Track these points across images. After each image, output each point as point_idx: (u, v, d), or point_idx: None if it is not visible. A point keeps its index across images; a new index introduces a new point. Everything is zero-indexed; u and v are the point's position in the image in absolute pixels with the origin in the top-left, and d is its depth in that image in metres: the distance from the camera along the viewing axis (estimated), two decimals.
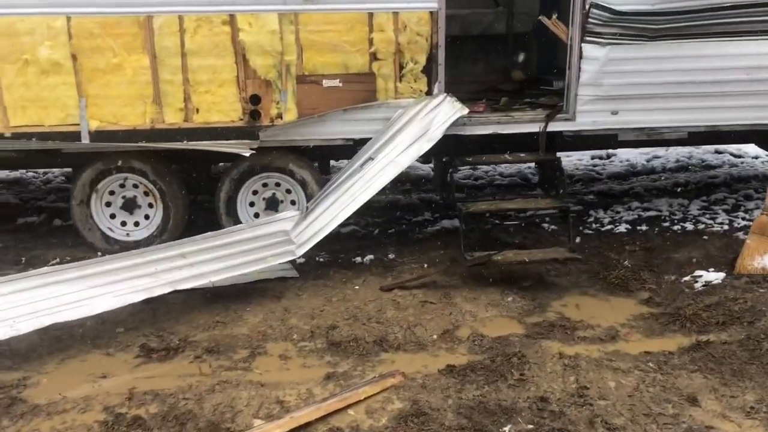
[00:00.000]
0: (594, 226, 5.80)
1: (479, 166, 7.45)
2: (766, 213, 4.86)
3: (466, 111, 4.85)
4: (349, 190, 4.65)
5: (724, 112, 5.09)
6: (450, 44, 6.27)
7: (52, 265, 4.77)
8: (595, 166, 7.71)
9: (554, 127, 5.12)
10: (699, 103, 5.03)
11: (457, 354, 3.79)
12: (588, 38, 4.85)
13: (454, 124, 4.88)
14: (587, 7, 4.77)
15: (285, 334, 4.05)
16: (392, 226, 5.93)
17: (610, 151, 7.81)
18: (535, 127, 5.08)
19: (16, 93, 4.62)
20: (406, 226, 5.94)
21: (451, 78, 5.79)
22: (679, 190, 6.71)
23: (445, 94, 4.88)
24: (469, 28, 6.76)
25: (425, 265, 4.99)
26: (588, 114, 5.06)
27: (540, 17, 5.27)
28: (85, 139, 4.76)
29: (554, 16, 5.08)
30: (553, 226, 5.72)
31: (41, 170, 7.35)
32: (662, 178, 7.13)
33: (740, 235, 5.29)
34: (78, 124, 4.72)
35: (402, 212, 6.30)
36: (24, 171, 7.25)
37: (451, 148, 5.24)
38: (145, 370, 3.68)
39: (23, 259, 5.11)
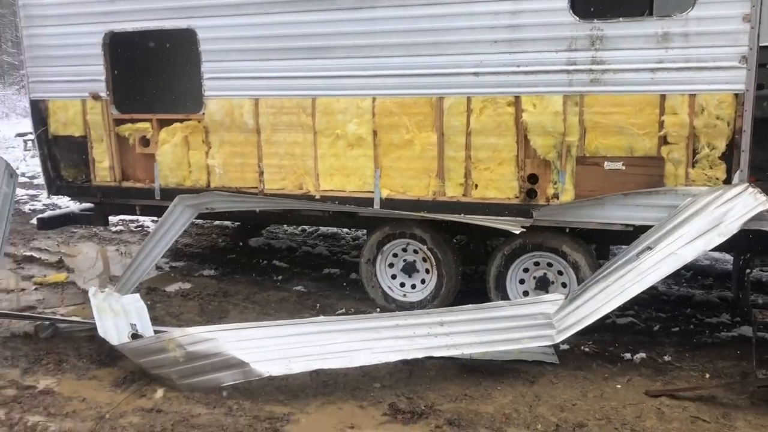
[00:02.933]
0: None
1: None
2: None
3: None
4: (620, 279, 4.33)
5: None
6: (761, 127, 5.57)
7: (339, 314, 5.33)
8: None
9: None
10: None
11: None
12: None
13: (758, 218, 4.25)
14: None
15: (529, 421, 3.90)
16: (677, 324, 5.32)
17: None
18: None
19: (327, 162, 5.35)
20: (695, 327, 5.28)
21: (761, 165, 5.11)
22: None
23: (747, 184, 4.31)
24: None
25: (707, 375, 4.38)
26: None
27: None
28: (377, 205, 5.27)
29: None
30: None
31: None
32: None
33: None
34: (372, 192, 5.26)
35: (694, 309, 5.62)
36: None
37: (753, 245, 4.57)
38: (388, 430, 3.85)
39: (318, 305, 5.80)
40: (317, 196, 5.44)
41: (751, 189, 4.28)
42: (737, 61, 4.24)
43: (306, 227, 8.33)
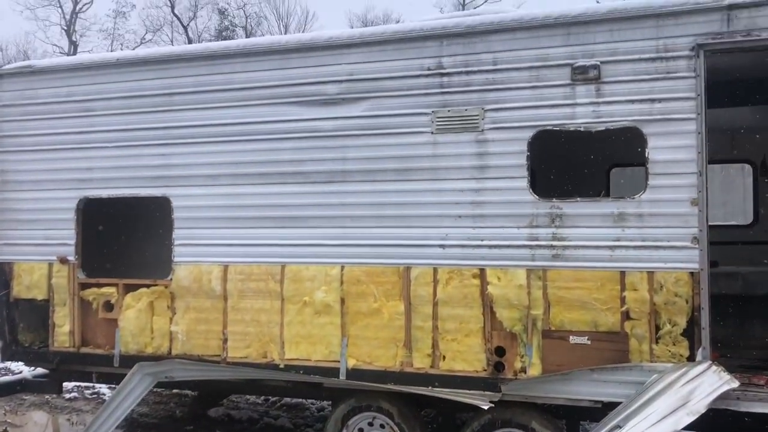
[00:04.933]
0: None
1: None
2: None
3: (735, 384, 4.21)
4: None
5: None
6: (729, 303, 5.69)
7: None
8: None
9: None
10: None
11: None
12: None
13: (724, 397, 4.24)
14: None
15: None
16: None
17: None
18: None
19: (293, 329, 5.29)
20: None
21: (733, 342, 5.17)
22: None
23: (710, 362, 4.33)
24: (752, 287, 6.10)
25: None
26: None
27: None
28: (343, 376, 5.15)
29: None
30: None
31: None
32: None
33: None
34: (338, 361, 5.17)
35: None
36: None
37: (726, 425, 4.51)
38: None
39: None
40: (282, 365, 5.31)
41: (714, 367, 4.31)
42: (689, 242, 4.44)
43: (270, 396, 8.02)
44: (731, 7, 4.37)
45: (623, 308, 4.56)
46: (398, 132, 5.08)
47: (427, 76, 5.04)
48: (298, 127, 5.30)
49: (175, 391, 7.92)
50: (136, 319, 5.69)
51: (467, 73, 4.93)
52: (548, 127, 4.77)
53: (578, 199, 4.74)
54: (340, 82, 5.23)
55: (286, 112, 5.35)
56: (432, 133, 5.01)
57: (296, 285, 5.28)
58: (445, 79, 4.99)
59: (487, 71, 4.89)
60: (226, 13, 35.71)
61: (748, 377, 4.60)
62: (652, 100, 4.53)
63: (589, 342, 4.64)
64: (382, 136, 5.12)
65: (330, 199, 5.21)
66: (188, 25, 35.58)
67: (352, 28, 25.98)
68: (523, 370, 4.77)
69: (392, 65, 5.12)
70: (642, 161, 4.61)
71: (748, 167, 6.98)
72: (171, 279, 5.61)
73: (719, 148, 6.61)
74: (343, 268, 5.17)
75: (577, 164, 6.87)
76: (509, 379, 4.79)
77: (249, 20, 36.28)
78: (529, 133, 4.80)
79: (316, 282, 5.23)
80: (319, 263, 5.23)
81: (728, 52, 4.58)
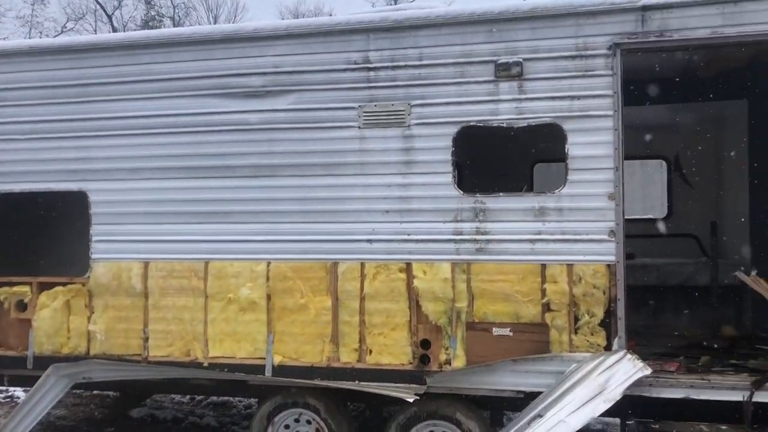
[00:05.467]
0: None
1: None
2: None
3: (648, 371, 4.39)
4: None
5: None
6: (645, 294, 5.92)
7: None
8: None
9: (765, 397, 4.39)
10: None
11: None
12: None
13: (638, 383, 4.42)
14: None
15: None
16: None
17: None
18: (738, 395, 4.40)
19: (218, 327, 5.19)
20: None
21: (648, 331, 5.38)
22: None
23: (625, 351, 4.50)
24: (666, 277, 6.38)
25: None
26: None
27: (737, 273, 4.81)
28: (269, 373, 5.08)
29: (754, 272, 4.61)
30: None
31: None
32: None
33: None
34: (264, 358, 5.10)
35: None
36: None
37: (637, 410, 4.70)
38: None
39: None
40: (206, 364, 5.20)
41: (629, 355, 4.48)
42: (606, 235, 4.60)
43: (195, 395, 7.85)
44: (645, 9, 4.54)
45: (544, 300, 4.67)
46: (325, 126, 5.05)
47: (353, 70, 5.02)
48: (222, 119, 5.19)
49: (95, 392, 7.66)
50: (52, 318, 5.45)
51: (393, 68, 4.94)
52: (473, 123, 4.84)
53: (501, 194, 4.83)
54: (266, 74, 5.14)
55: (209, 105, 5.22)
56: (359, 127, 5.00)
57: (220, 282, 5.18)
58: (372, 73, 4.99)
59: (413, 66, 4.91)
60: (152, 2, 34.66)
61: (660, 364, 4.81)
62: (572, 97, 4.66)
63: (511, 333, 4.74)
64: (309, 130, 5.07)
65: (256, 193, 5.12)
66: (113, 14, 34.30)
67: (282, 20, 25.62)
68: (448, 362, 4.83)
69: (318, 58, 5.07)
70: (562, 157, 4.74)
71: (663, 163, 7.27)
72: (89, 277, 5.40)
73: (636, 145, 6.90)
74: (269, 264, 5.10)
75: (502, 160, 7.01)
76: (434, 372, 4.84)
77: (177, 10, 35.34)
78: (453, 129, 4.85)
79: (241, 278, 5.14)
80: (245, 259, 5.14)
81: (643, 52, 4.76)
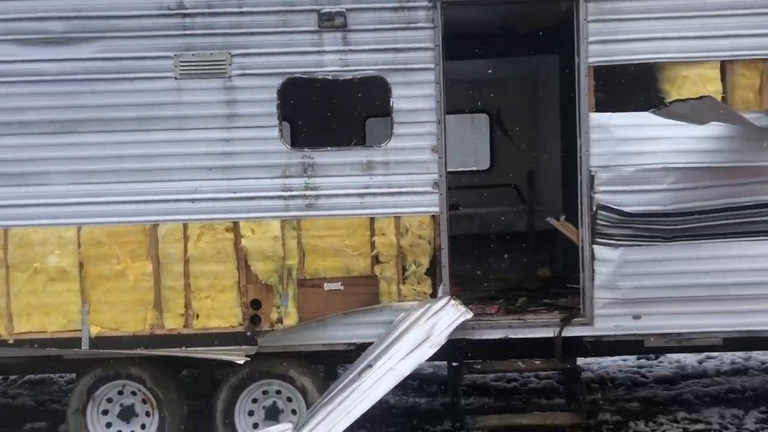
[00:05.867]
0: None
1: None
2: None
3: (470, 315, 4.59)
4: (344, 401, 4.33)
5: (761, 316, 4.64)
6: (470, 242, 6.18)
7: None
8: (641, 367, 7.09)
9: (573, 332, 4.78)
10: (729, 306, 4.62)
11: None
12: (599, 240, 4.64)
13: (462, 327, 4.62)
14: (594, 208, 4.62)
15: None
16: None
17: None
18: (549, 332, 4.76)
19: (23, 300, 4.70)
20: None
21: (473, 277, 5.61)
22: (733, 397, 6.02)
23: (449, 297, 4.68)
24: (488, 226, 6.72)
25: None
26: (607, 318, 4.72)
27: (548, 218, 5.16)
28: (85, 346, 4.72)
29: (563, 218, 4.95)
30: None
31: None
32: (715, 382, 6.45)
33: None
34: (79, 330, 4.71)
35: (420, 421, 5.82)
36: None
37: (462, 353, 4.94)
38: None
39: None
40: (11, 341, 4.71)
41: (453, 302, 4.66)
42: (431, 187, 4.70)
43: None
44: None
45: (373, 253, 4.71)
46: (137, 77, 4.66)
47: (168, 16, 4.65)
48: (15, 69, 4.61)
49: None
50: None
51: (211, 14, 4.64)
52: (297, 75, 4.69)
53: (329, 148, 4.76)
54: (67, 18, 4.62)
55: (0, 52, 4.62)
56: (176, 78, 4.66)
57: (24, 250, 4.67)
58: (188, 20, 4.64)
59: (232, 14, 4.64)
60: None
61: (482, 308, 5.07)
62: (395, 50, 4.64)
63: (342, 288, 4.74)
64: (118, 81, 4.65)
65: (59, 152, 4.65)
66: None
67: None
68: (280, 320, 4.75)
69: (127, 3, 4.64)
70: (388, 111, 4.74)
71: (485, 117, 7.58)
72: None
73: (461, 99, 7.12)
74: (80, 229, 4.68)
75: (335, 115, 6.93)
76: (266, 331, 4.75)
77: None
78: (278, 81, 4.67)
79: (48, 246, 4.67)
80: (51, 225, 4.67)
81: (463, 5, 4.85)
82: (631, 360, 7.30)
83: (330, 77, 4.69)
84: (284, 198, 4.71)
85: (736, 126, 4.46)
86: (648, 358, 7.32)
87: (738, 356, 7.16)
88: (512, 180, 7.30)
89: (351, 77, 4.69)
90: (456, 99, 6.90)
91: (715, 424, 5.40)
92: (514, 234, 6.78)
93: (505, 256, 6.66)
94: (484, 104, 7.39)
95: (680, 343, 4.82)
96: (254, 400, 4.91)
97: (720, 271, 4.62)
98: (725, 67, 4.57)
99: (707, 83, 4.54)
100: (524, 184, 7.15)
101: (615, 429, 5.38)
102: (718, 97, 4.46)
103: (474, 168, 7.74)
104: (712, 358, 7.21)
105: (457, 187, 6.70)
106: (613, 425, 5.45)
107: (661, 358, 7.33)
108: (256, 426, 4.89)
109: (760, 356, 7.16)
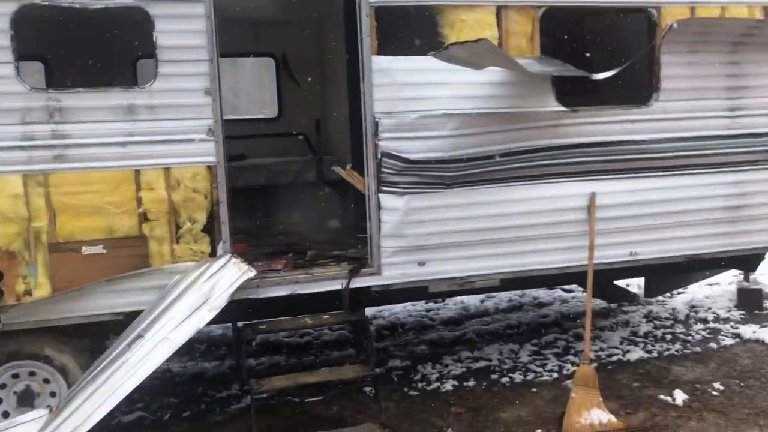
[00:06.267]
0: (420, 385, 5.27)
1: None
2: (586, 362, 4.57)
3: (253, 273, 4.27)
4: (111, 378, 3.83)
5: (532, 256, 4.88)
6: (257, 194, 5.83)
7: None
8: (428, 310, 7.32)
9: (361, 282, 4.67)
10: (505, 248, 4.80)
11: None
12: (384, 188, 4.53)
13: (245, 286, 4.29)
14: (379, 156, 4.49)
15: None
16: (189, 407, 5.05)
17: None
18: (338, 285, 4.60)
19: None
20: (207, 405, 5.09)
21: (260, 231, 5.27)
22: (511, 333, 6.41)
23: (230, 255, 4.32)
24: (276, 177, 6.41)
25: None
26: (394, 267, 4.67)
27: (333, 167, 4.96)
28: None
29: (349, 166, 4.78)
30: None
31: None
32: (495, 320, 6.84)
33: (569, 383, 4.95)
34: None
35: (206, 386, 5.44)
36: None
37: (249, 313, 4.62)
38: None
39: None
40: None
41: (234, 259, 4.30)
42: (205, 134, 4.23)
43: None
44: None
45: (140, 210, 4.18)
46: None
47: None
48: None
49: None
50: None
51: None
52: (36, 2, 3.92)
53: (80, 89, 4.09)
54: None
55: None
56: None
57: None
58: None
59: None
60: None
61: (268, 264, 4.76)
62: None
63: (105, 251, 4.16)
64: None
65: None
66: None
67: None
68: (29, 292, 4.06)
69: None
70: (152, 48, 4.15)
71: (271, 61, 7.15)
72: None
73: (243, 40, 6.62)
74: None
75: (98, 54, 6.07)
76: (11, 306, 4.04)
77: None
78: (10, 8, 3.87)
79: None
80: None
81: None
82: (420, 305, 7.51)
83: (77, 5, 3.98)
84: (26, 148, 3.98)
85: (512, 72, 4.53)
86: (436, 302, 7.59)
87: (515, 292, 7.66)
88: (301, 128, 7.01)
89: (104, 6, 4.02)
90: (238, 40, 6.41)
91: (495, 360, 5.68)
92: (304, 184, 6.53)
93: (295, 208, 6.40)
94: (269, 47, 6.95)
95: (462, 287, 4.92)
96: (3, 386, 4.21)
97: (496, 215, 4.75)
98: (501, 12, 4.62)
99: (484, 28, 4.56)
100: (313, 133, 6.89)
101: (404, 374, 5.44)
102: (495, 43, 4.49)
103: (261, 116, 7.32)
104: (492, 297, 7.65)
105: (244, 136, 6.28)
106: (403, 371, 5.52)
107: (447, 301, 7.63)
108: (6, 415, 4.20)
109: (532, 293, 7.74)
